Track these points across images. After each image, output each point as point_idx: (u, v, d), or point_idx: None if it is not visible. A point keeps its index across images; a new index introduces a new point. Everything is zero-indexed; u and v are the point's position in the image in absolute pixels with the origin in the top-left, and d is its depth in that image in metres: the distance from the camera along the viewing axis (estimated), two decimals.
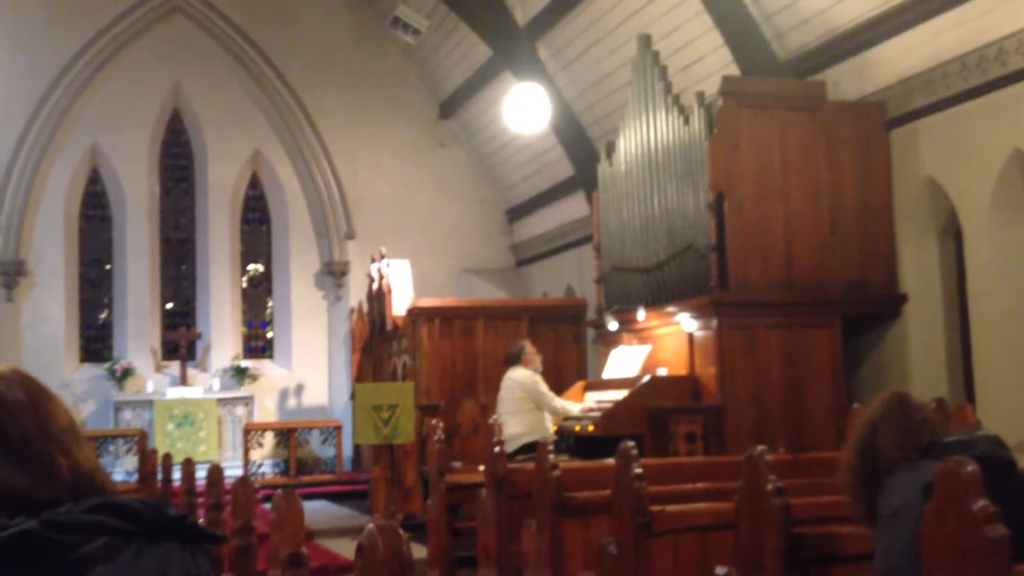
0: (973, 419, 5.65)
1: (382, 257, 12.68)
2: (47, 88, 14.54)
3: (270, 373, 15.50)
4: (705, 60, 10.30)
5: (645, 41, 9.50)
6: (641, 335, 9.40)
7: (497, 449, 5.95)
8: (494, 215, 16.25)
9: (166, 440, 13.55)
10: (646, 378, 8.54)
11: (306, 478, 13.85)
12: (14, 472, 1.36)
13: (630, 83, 9.75)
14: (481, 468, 6.60)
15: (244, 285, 16.04)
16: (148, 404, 14.22)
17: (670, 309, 8.70)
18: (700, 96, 8.57)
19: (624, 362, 9.24)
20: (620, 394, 8.51)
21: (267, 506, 5.10)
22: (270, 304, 16.11)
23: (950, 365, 8.27)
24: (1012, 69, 7.34)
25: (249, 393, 14.87)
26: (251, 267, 16.15)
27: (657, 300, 8.97)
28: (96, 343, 15.28)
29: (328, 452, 14.50)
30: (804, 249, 8.43)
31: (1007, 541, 2.26)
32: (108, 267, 15.45)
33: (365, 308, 14.08)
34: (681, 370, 8.60)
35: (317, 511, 11.65)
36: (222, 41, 15.43)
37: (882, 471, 2.84)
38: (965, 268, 8.05)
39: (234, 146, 15.53)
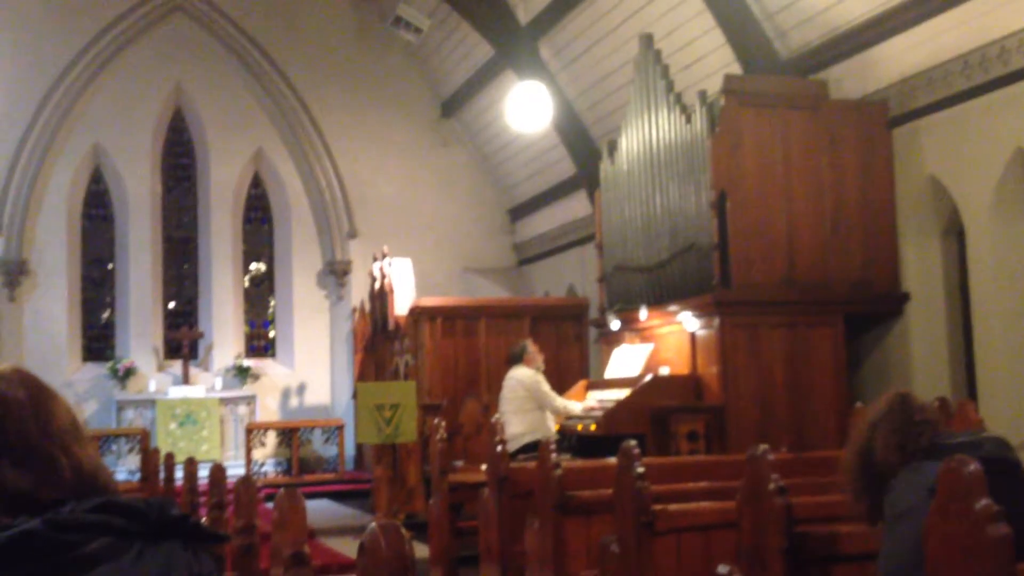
0: (975, 418, 5.65)
1: (384, 256, 12.68)
2: (49, 87, 14.55)
3: (272, 372, 15.50)
4: (707, 59, 10.30)
5: (647, 40, 9.50)
6: (643, 334, 9.40)
7: (499, 448, 5.95)
8: (496, 214, 16.25)
9: (168, 439, 13.55)
10: (648, 377, 8.54)
11: (308, 477, 13.86)
12: (16, 472, 1.36)
13: (632, 82, 9.75)
14: (483, 467, 6.61)
15: (246, 284, 16.05)
16: (150, 403, 14.22)
17: (672, 308, 8.70)
18: (702, 95, 8.57)
19: (626, 361, 9.24)
20: (622, 393, 8.51)
21: (269, 505, 5.10)
22: (272, 303, 16.11)
23: (952, 364, 8.27)
24: (1014, 68, 7.33)
25: (251, 392, 14.87)
26: (253, 266, 16.15)
27: (659, 299, 8.97)
28: (98, 342, 15.29)
29: (330, 451, 14.51)
30: (806, 248, 8.43)
31: (1010, 540, 2.26)
32: (110, 266, 15.46)
33: (367, 307, 14.08)
34: (683, 369, 8.59)
35: (319, 510, 11.66)
36: (224, 40, 15.43)
37: (881, 473, 2.84)
38: (967, 267, 8.04)
39: (236, 145, 15.53)
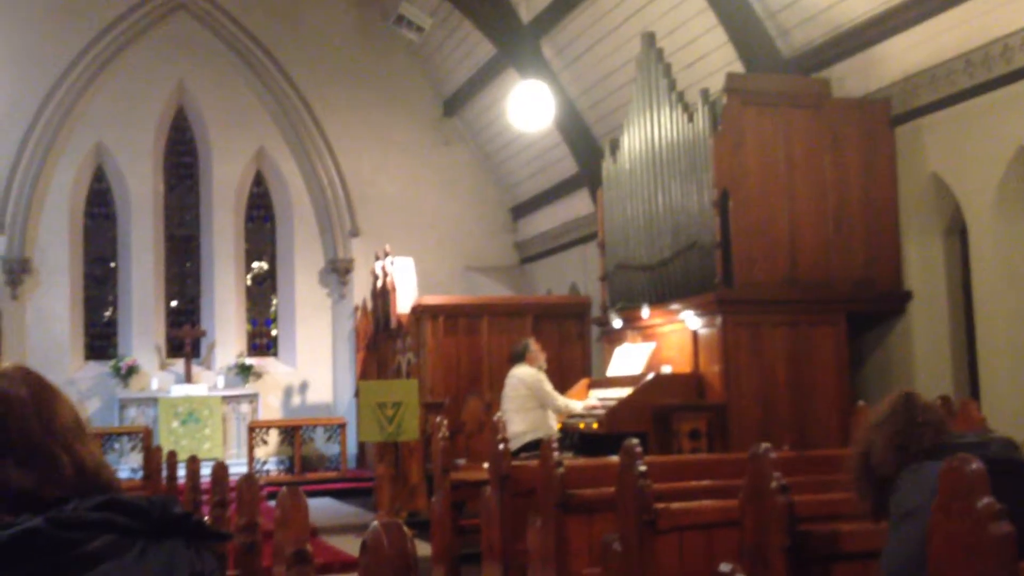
0: (978, 416, 5.65)
1: (386, 255, 12.69)
2: (51, 86, 14.55)
3: (274, 371, 15.51)
4: (709, 57, 10.29)
5: (649, 38, 9.50)
6: (645, 333, 9.39)
7: (501, 446, 5.95)
8: (498, 213, 16.25)
9: (171, 437, 13.56)
10: (650, 376, 8.54)
11: (311, 475, 13.87)
12: (19, 471, 1.36)
13: (634, 80, 9.74)
14: (485, 465, 6.61)
15: (248, 283, 16.05)
16: (153, 401, 14.23)
17: (674, 307, 8.70)
18: (704, 93, 8.56)
19: (628, 360, 9.24)
20: (624, 392, 8.51)
21: (272, 503, 5.10)
22: (274, 302, 16.12)
23: (955, 362, 8.26)
24: (1017, 66, 7.33)
25: (254, 390, 14.88)
26: (255, 265, 16.16)
27: (661, 298, 8.97)
28: (101, 341, 15.30)
29: (332, 449, 14.51)
30: (809, 246, 8.42)
31: (1012, 538, 2.26)
32: (113, 265, 15.47)
33: (369, 305, 14.09)
34: (685, 368, 8.59)
35: (321, 508, 11.68)
36: (226, 39, 15.43)
37: (882, 474, 2.84)
38: (970, 265, 8.03)
39: (238, 144, 15.54)
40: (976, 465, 2.32)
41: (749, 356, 8.18)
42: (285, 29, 15.50)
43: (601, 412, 8.41)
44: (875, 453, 2.86)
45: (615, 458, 4.38)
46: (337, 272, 15.56)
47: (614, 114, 11.89)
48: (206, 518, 4.41)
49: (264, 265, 16.19)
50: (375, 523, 1.65)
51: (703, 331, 8.47)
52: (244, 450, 14.00)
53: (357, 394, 12.86)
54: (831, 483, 4.23)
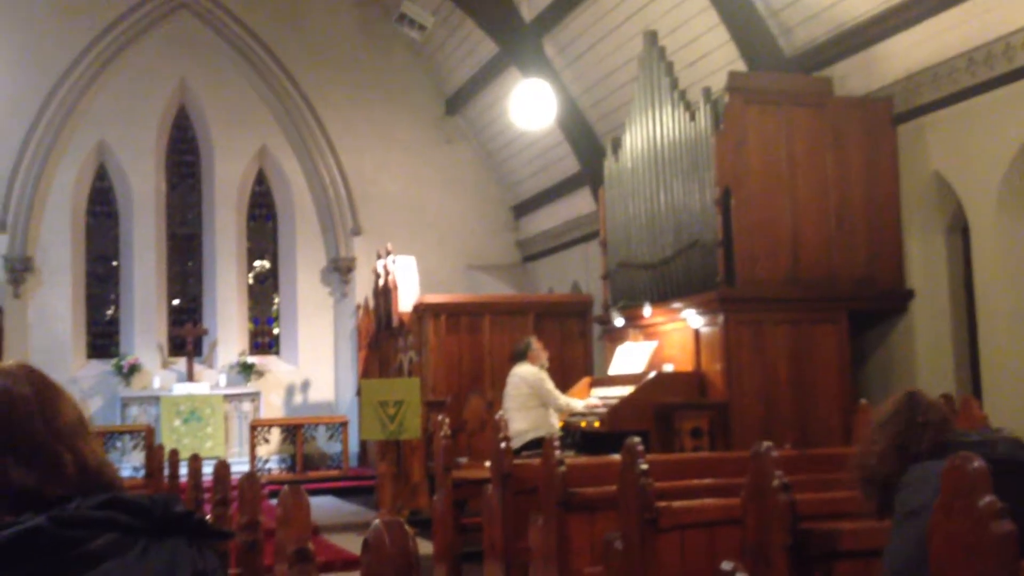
0: (979, 414, 5.65)
1: (388, 253, 12.69)
2: (53, 85, 14.56)
3: (276, 369, 15.52)
4: (711, 56, 10.29)
5: (651, 37, 9.49)
6: (647, 331, 9.40)
7: (503, 445, 5.95)
8: (500, 211, 16.25)
9: (173, 436, 13.58)
10: (652, 374, 8.54)
11: (312, 474, 13.87)
12: (22, 469, 1.36)
13: (636, 79, 9.74)
14: (487, 464, 6.61)
15: (250, 281, 16.06)
16: (155, 400, 14.25)
17: (676, 305, 8.70)
18: (706, 92, 8.56)
19: (630, 358, 9.24)
20: (626, 390, 8.51)
21: (273, 502, 5.10)
22: (276, 300, 16.12)
23: (957, 360, 8.26)
24: (1019, 65, 7.32)
25: (255, 389, 14.89)
26: (257, 263, 16.17)
27: (663, 296, 8.97)
28: (103, 339, 15.32)
29: (334, 448, 14.52)
30: (811, 245, 8.42)
31: (1013, 537, 2.25)
32: (115, 263, 15.48)
33: (371, 304, 14.09)
34: (687, 366, 8.59)
35: (323, 507, 11.68)
36: (228, 37, 15.44)
37: (885, 475, 2.83)
38: (972, 263, 8.03)
39: (240, 142, 15.55)
40: (978, 464, 2.32)
41: (751, 354, 8.18)
42: (287, 27, 15.50)
43: (603, 411, 8.42)
44: (878, 453, 2.86)
45: (617, 456, 4.38)
46: (339, 271, 15.56)
47: (616, 113, 11.89)
48: (208, 516, 4.41)
49: (266, 263, 16.19)
50: (377, 521, 1.65)
51: (705, 329, 8.47)
52: (246, 448, 14.01)
53: (359, 392, 12.87)
54: (833, 482, 4.23)
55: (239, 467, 11.09)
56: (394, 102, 15.81)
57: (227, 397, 14.48)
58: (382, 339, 13.40)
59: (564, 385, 9.25)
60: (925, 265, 8.45)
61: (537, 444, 7.44)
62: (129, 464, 13.25)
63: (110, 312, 15.48)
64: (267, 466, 14.16)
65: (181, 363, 14.95)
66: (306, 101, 15.51)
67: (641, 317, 9.28)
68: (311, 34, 15.55)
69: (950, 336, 8.28)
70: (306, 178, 15.72)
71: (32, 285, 14.53)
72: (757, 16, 9.52)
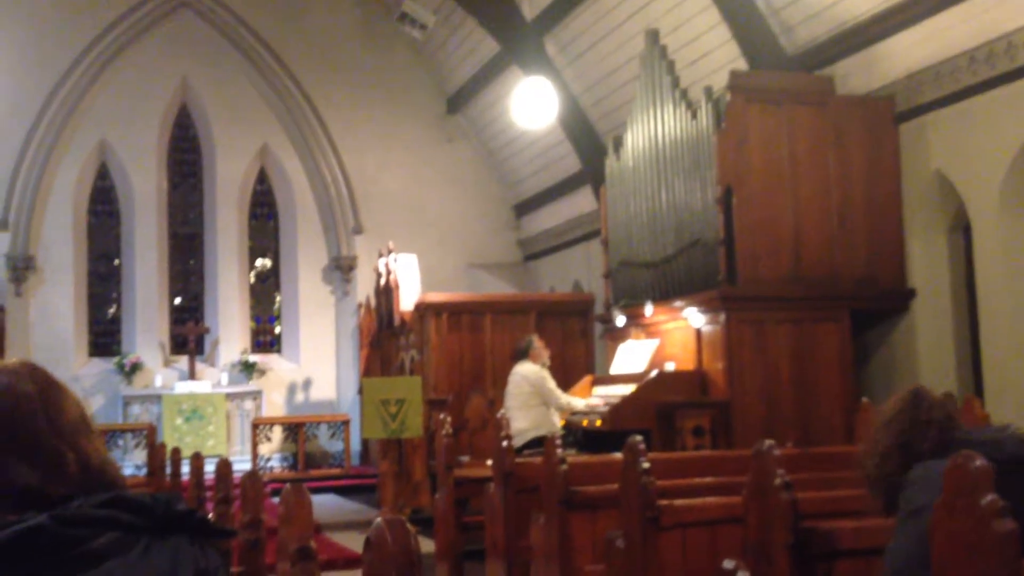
0: (981, 413, 5.65)
1: (390, 252, 12.69)
2: (55, 84, 14.57)
3: (278, 368, 15.53)
4: (713, 55, 10.28)
5: (653, 36, 9.49)
6: (649, 330, 9.39)
7: (505, 443, 5.95)
8: (502, 210, 16.24)
9: (175, 434, 13.58)
10: (654, 373, 8.54)
11: (314, 472, 13.88)
12: (25, 468, 1.36)
13: (638, 78, 9.73)
14: (489, 462, 6.61)
15: (252, 280, 16.07)
16: (157, 398, 14.26)
17: (678, 304, 8.69)
18: (708, 91, 8.56)
19: (632, 357, 9.23)
20: (628, 389, 8.51)
21: (275, 500, 5.11)
22: (278, 299, 16.13)
23: (959, 359, 8.25)
24: (1021, 63, 7.31)
25: (257, 388, 14.90)
26: (259, 262, 16.18)
27: (665, 295, 8.96)
28: (105, 338, 15.33)
29: (336, 446, 14.52)
30: (812, 243, 8.42)
31: (1015, 536, 2.25)
32: (116, 262, 15.49)
33: (373, 303, 14.10)
34: (689, 365, 8.59)
35: (325, 505, 11.69)
36: (230, 36, 15.44)
37: (889, 473, 2.83)
38: (974, 262, 8.02)
39: (242, 141, 15.55)
40: (980, 463, 2.31)
41: (753, 353, 8.18)
42: (288, 26, 15.50)
43: (604, 409, 8.42)
44: (882, 452, 2.86)
45: (619, 455, 4.38)
46: (340, 269, 15.56)
47: (617, 111, 11.89)
48: (210, 515, 4.42)
49: (267, 262, 16.20)
50: (379, 520, 1.65)
51: (706, 328, 8.46)
52: (248, 447, 14.02)
53: (361, 391, 12.87)
54: (835, 480, 4.23)
55: (241, 465, 11.10)
56: (395, 101, 15.81)
57: (229, 395, 14.49)
58: (383, 338, 13.40)
59: (566, 384, 9.25)
60: (927, 264, 8.44)
61: (539, 443, 7.43)
62: (131, 462, 13.25)
63: (112, 311, 15.50)
64: (269, 464, 14.17)
65: (183, 361, 14.96)
66: (307, 100, 15.51)
67: (642, 316, 9.27)
68: (312, 33, 15.56)
69: (952, 335, 8.28)
70: (307, 177, 15.73)
71: (34, 284, 14.54)
72: (758, 15, 9.52)
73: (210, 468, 5.85)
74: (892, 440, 2.85)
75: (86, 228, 15.24)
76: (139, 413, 14.25)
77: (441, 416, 7.87)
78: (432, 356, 11.37)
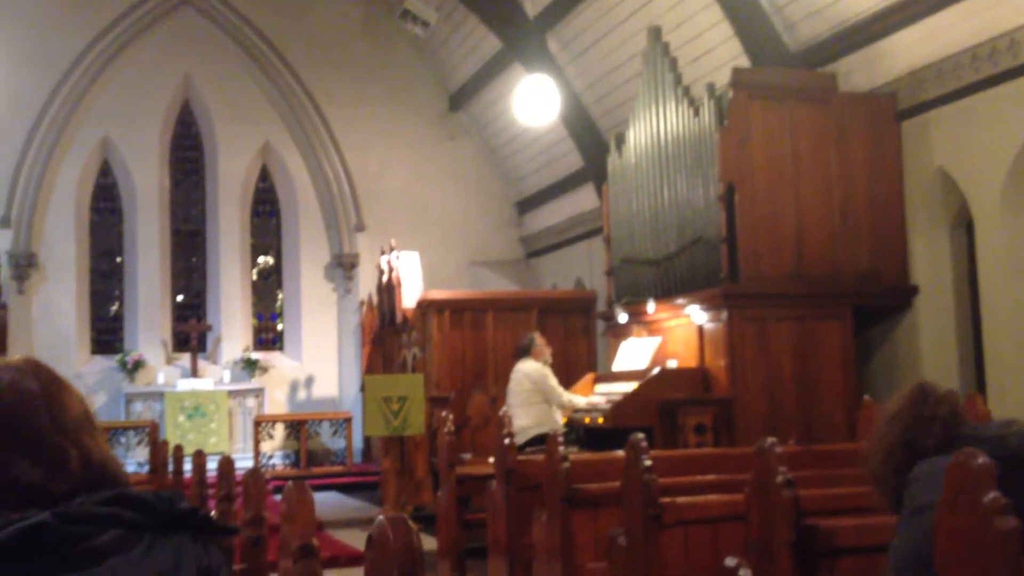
0: (983, 410, 5.64)
1: (392, 249, 12.69)
2: (58, 81, 14.58)
3: (280, 365, 15.54)
4: (715, 52, 10.27)
5: (655, 33, 9.48)
6: (651, 327, 9.39)
7: (507, 441, 5.95)
8: (504, 207, 16.24)
9: (177, 432, 13.60)
10: (656, 370, 8.54)
11: (316, 470, 13.88)
12: (28, 465, 1.35)
13: (640, 75, 9.73)
14: (491, 460, 6.61)
15: (254, 277, 16.08)
16: (159, 396, 14.27)
17: (680, 301, 8.69)
18: (710, 88, 8.55)
19: (634, 354, 9.24)
20: (630, 386, 8.51)
21: (278, 498, 5.11)
22: (280, 296, 16.14)
23: (961, 356, 8.25)
24: (1023, 60, 7.30)
25: (259, 385, 14.91)
26: (261, 259, 16.18)
27: (667, 292, 8.96)
28: (107, 335, 15.34)
29: (338, 444, 14.53)
30: (815, 241, 8.41)
31: (1018, 533, 2.25)
32: (119, 259, 15.50)
33: (375, 300, 14.10)
34: (691, 362, 8.59)
35: (327, 503, 11.69)
36: (232, 34, 15.44)
37: (895, 469, 2.82)
38: (976, 259, 8.02)
39: (244, 138, 15.56)
40: (982, 460, 2.31)
41: (755, 350, 8.18)
42: (291, 24, 15.50)
43: (606, 407, 8.42)
44: (886, 448, 2.85)
45: (621, 453, 4.38)
46: (343, 267, 15.57)
47: (620, 108, 11.88)
48: (212, 512, 4.42)
49: (270, 260, 16.21)
50: (381, 517, 1.65)
51: (709, 325, 8.46)
52: (250, 444, 14.03)
53: (363, 388, 12.87)
54: (837, 478, 4.23)
55: (243, 463, 11.11)
56: (398, 98, 15.81)
57: (231, 393, 14.50)
58: (386, 335, 13.41)
59: (568, 381, 9.25)
60: (929, 261, 8.44)
61: (541, 440, 7.44)
62: (133, 460, 13.26)
63: (114, 308, 15.51)
64: (271, 462, 14.18)
65: (185, 359, 14.97)
66: (310, 97, 15.51)
67: (645, 313, 9.27)
68: (315, 30, 15.56)
69: (954, 332, 8.28)
70: (310, 174, 15.73)
71: (36, 281, 14.55)
72: (761, 12, 9.51)
73: (212, 465, 5.85)
74: (896, 436, 2.84)
75: (88, 225, 15.26)
76: (141, 410, 14.26)
77: (443, 413, 7.87)
78: (434, 353, 11.37)
